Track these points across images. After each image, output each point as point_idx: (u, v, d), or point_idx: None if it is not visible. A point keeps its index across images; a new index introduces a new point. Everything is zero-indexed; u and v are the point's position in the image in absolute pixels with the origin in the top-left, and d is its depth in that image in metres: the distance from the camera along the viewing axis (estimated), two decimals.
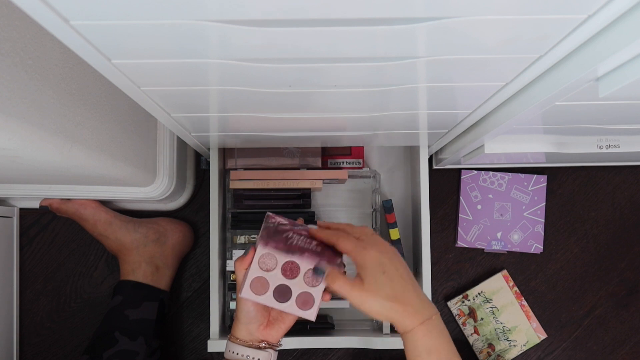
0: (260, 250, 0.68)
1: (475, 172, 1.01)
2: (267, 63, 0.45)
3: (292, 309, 0.67)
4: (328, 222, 0.69)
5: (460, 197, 1.00)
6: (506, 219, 0.99)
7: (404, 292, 0.61)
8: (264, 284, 0.67)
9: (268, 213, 0.70)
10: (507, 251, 1.01)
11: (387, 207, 0.94)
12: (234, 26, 0.37)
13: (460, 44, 0.42)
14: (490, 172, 1.01)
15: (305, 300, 0.68)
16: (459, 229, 1.00)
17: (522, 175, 1.01)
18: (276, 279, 0.68)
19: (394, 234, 0.93)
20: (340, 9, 0.35)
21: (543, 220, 1.00)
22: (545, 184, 1.01)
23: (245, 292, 0.67)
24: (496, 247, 0.99)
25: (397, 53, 0.44)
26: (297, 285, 0.68)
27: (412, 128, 0.74)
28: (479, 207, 0.99)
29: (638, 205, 1.05)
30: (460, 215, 1.00)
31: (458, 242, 1.00)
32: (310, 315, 0.68)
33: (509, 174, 1.01)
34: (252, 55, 0.44)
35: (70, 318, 1.02)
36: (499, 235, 0.99)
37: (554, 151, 0.78)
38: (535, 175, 1.01)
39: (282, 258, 0.68)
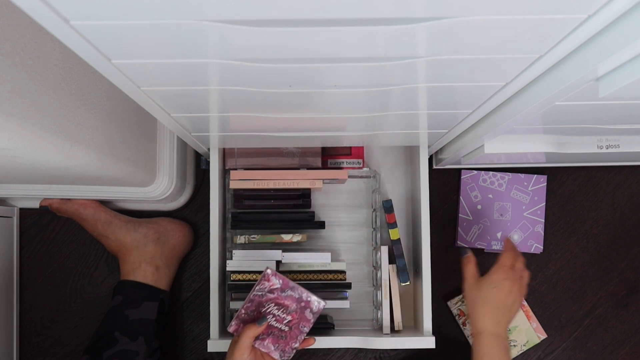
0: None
1: (475, 172, 1.01)
2: (267, 63, 0.45)
3: None
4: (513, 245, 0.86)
5: (460, 197, 1.00)
6: (506, 219, 0.99)
7: (493, 307, 0.80)
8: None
9: (266, 271, 0.79)
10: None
11: (387, 207, 0.94)
12: (234, 26, 0.37)
13: (460, 44, 0.42)
14: (490, 172, 1.01)
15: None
16: (459, 229, 1.00)
17: (522, 175, 1.01)
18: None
19: (394, 234, 0.93)
20: (340, 9, 0.35)
21: (543, 220, 1.00)
22: (545, 184, 1.01)
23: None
24: (496, 247, 0.99)
25: (397, 53, 0.44)
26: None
27: (412, 128, 0.74)
28: (479, 207, 0.99)
29: (638, 205, 1.05)
30: (460, 215, 1.00)
31: (458, 242, 1.00)
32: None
33: (509, 174, 1.01)
34: (252, 55, 0.44)
35: (70, 318, 1.02)
36: (499, 235, 0.99)
37: (554, 151, 0.78)
38: (535, 176, 1.01)
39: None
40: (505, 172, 1.01)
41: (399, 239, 0.93)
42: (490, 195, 1.00)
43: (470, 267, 0.85)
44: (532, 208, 1.00)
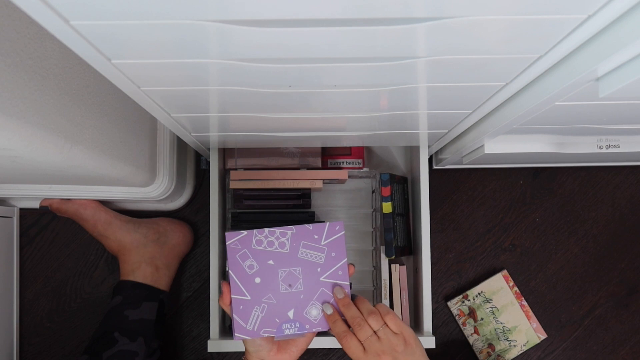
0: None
1: (245, 232, 0.69)
2: (267, 63, 0.45)
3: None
4: (345, 301, 0.68)
5: (229, 271, 0.69)
6: (297, 290, 0.69)
7: None
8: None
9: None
10: (305, 333, 0.70)
11: (384, 180, 0.93)
12: (234, 26, 0.37)
13: (460, 44, 0.42)
14: (266, 230, 0.70)
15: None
16: (234, 315, 0.68)
17: (310, 227, 0.70)
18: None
19: (387, 207, 0.93)
20: (340, 9, 0.35)
21: (348, 283, 0.71)
22: (343, 232, 0.70)
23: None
24: (290, 330, 0.68)
25: (397, 53, 0.44)
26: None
27: (412, 128, 0.74)
28: (258, 280, 0.68)
29: (638, 205, 1.05)
30: (233, 296, 0.68)
31: (236, 334, 0.67)
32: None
33: (291, 227, 0.70)
34: (252, 55, 0.44)
35: (70, 318, 1.02)
36: (290, 314, 0.69)
37: (554, 151, 0.78)
38: (328, 223, 0.71)
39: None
40: (287, 227, 0.70)
41: (390, 213, 0.93)
42: (271, 262, 0.69)
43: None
44: (331, 269, 0.70)
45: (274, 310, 0.68)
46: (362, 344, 0.65)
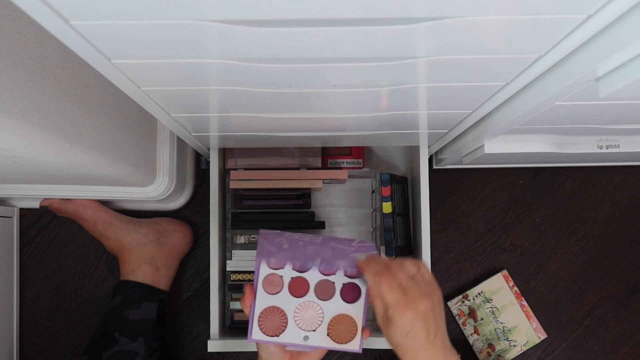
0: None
1: (278, 231, 0.73)
2: (267, 63, 0.45)
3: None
4: (373, 256, 0.63)
5: (259, 234, 0.70)
6: (326, 255, 0.68)
7: (417, 349, 0.59)
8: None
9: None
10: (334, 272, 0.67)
11: (384, 180, 0.94)
12: (234, 26, 0.37)
13: (460, 44, 0.42)
14: (298, 233, 0.73)
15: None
16: (258, 250, 0.66)
17: (340, 237, 0.76)
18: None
19: (387, 207, 0.93)
20: (340, 9, 0.35)
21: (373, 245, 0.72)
22: (372, 244, 0.72)
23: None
24: (316, 266, 0.66)
25: (397, 53, 0.44)
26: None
27: (412, 128, 0.74)
28: (286, 245, 0.68)
29: (638, 205, 1.05)
30: (259, 248, 0.67)
31: (262, 262, 0.65)
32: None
33: (322, 235, 0.75)
34: (252, 55, 0.44)
35: (70, 318, 1.02)
36: (317, 261, 0.66)
37: (554, 151, 0.78)
38: (357, 239, 0.76)
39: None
40: (318, 235, 0.74)
41: (390, 213, 0.93)
42: (301, 243, 0.70)
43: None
44: (357, 247, 0.70)
45: (301, 260, 0.65)
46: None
